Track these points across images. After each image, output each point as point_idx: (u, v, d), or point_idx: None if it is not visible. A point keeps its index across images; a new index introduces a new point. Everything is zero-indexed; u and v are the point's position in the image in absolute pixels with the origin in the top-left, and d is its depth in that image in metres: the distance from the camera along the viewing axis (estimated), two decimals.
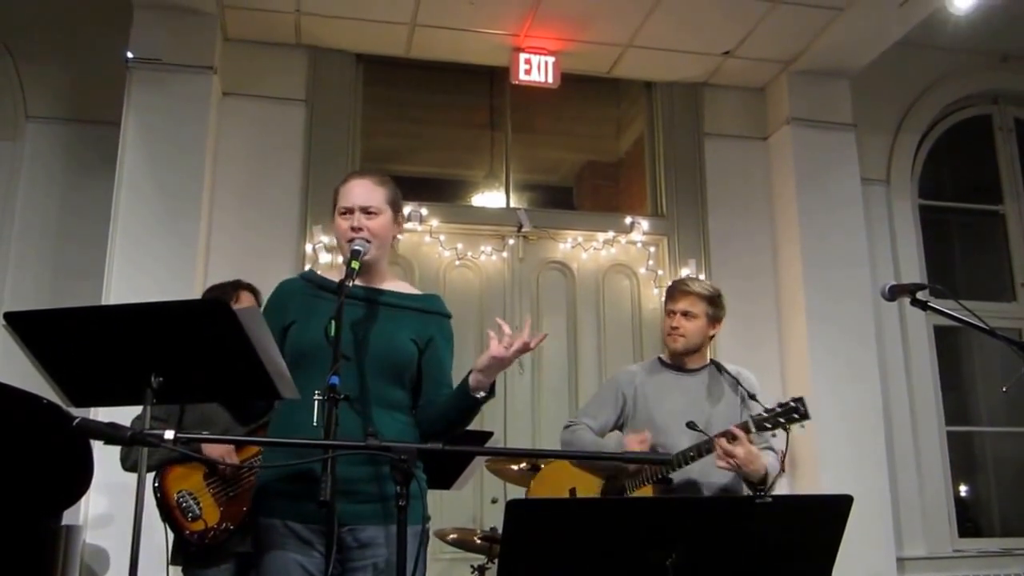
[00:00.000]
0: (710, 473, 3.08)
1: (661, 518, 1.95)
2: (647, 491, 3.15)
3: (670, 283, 3.44)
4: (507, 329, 2.29)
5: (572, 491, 3.37)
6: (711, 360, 3.34)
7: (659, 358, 3.41)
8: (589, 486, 3.33)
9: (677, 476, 3.11)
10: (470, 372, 2.37)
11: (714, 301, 3.28)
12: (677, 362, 3.33)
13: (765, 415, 3.00)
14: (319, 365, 2.21)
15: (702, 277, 5.50)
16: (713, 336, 3.36)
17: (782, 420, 2.98)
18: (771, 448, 3.14)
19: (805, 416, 2.97)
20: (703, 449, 3.03)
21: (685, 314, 3.24)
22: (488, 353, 2.31)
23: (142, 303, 2.17)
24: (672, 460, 3.04)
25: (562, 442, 3.38)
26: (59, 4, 5.29)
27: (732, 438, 2.96)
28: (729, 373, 3.28)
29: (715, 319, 3.29)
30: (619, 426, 3.35)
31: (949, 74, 6.25)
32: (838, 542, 2.03)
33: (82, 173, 5.12)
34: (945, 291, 3.26)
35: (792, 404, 2.98)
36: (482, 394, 2.36)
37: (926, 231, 6.10)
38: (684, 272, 5.52)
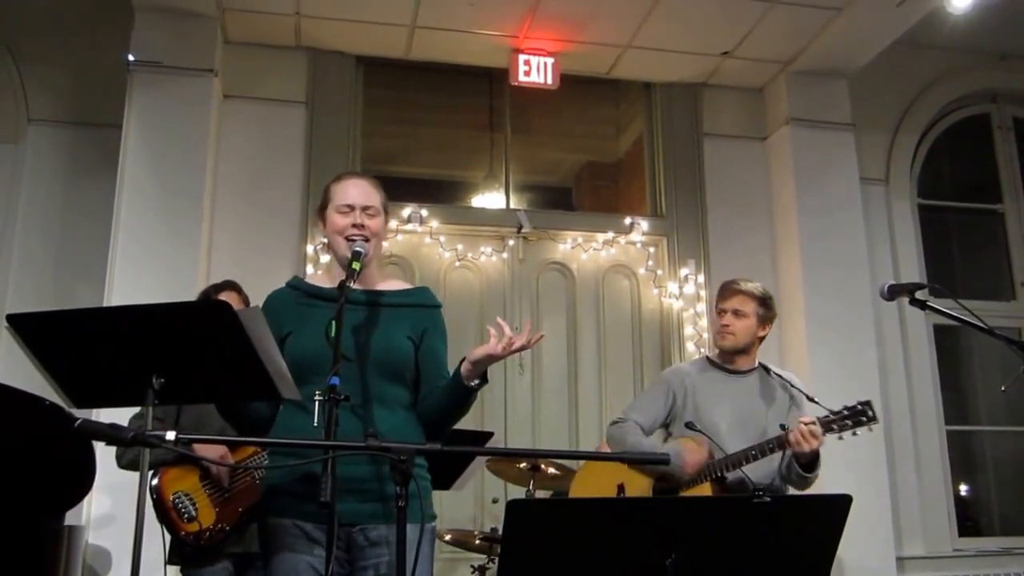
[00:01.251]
0: (758, 472, 3.10)
1: (661, 518, 1.95)
2: (705, 490, 3.15)
3: (722, 283, 3.45)
4: (508, 331, 2.30)
5: (620, 487, 3.34)
6: (760, 363, 3.35)
7: (707, 357, 3.41)
8: (640, 485, 3.31)
9: (731, 475, 3.12)
10: (462, 361, 2.36)
11: (765, 302, 3.29)
12: (727, 362, 3.34)
13: (834, 416, 3.02)
14: (321, 372, 2.21)
15: (701, 278, 5.52)
16: (763, 338, 3.36)
17: (849, 423, 3.00)
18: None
19: (874, 419, 2.99)
20: (765, 449, 3.05)
21: (735, 312, 3.26)
22: (484, 348, 2.31)
23: (143, 304, 2.18)
24: (668, 459, 3.04)
25: (608, 437, 3.38)
26: (60, 7, 5.31)
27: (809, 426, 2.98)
28: (778, 375, 3.31)
29: (766, 319, 3.30)
30: (666, 424, 3.36)
31: (947, 73, 6.26)
32: (837, 542, 2.04)
33: (84, 175, 5.14)
34: (944, 290, 3.28)
35: (860, 407, 3.00)
36: (476, 382, 2.36)
37: (925, 230, 6.10)
38: (684, 272, 5.54)
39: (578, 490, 3.58)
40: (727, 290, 3.33)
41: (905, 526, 5.45)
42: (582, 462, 3.82)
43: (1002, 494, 6.10)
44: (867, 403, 3.00)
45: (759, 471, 3.11)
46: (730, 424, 3.17)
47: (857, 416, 2.99)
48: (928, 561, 5.47)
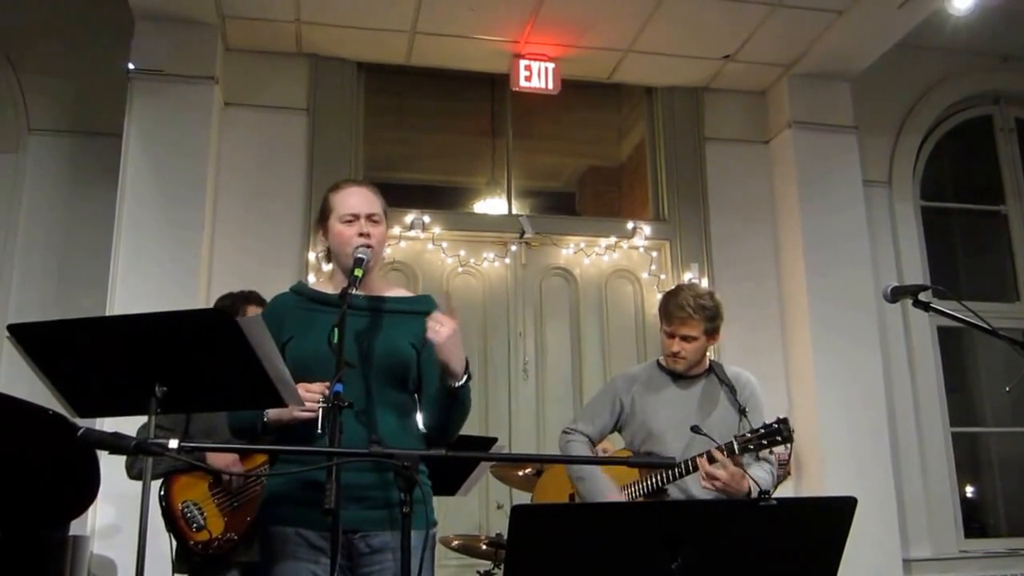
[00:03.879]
0: (701, 489, 3.05)
1: (666, 522, 1.95)
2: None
3: (664, 295, 3.33)
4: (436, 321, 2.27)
5: (572, 496, 3.36)
6: (710, 364, 3.29)
7: (658, 362, 3.38)
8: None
9: (673, 492, 3.10)
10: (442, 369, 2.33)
11: (712, 317, 3.19)
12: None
13: (748, 436, 2.95)
14: (322, 377, 2.22)
15: (704, 282, 5.50)
16: (713, 343, 3.31)
17: (764, 443, 2.93)
18: (767, 459, 3.11)
19: (788, 439, 2.91)
20: (690, 466, 3.01)
21: (684, 338, 3.18)
22: (437, 346, 2.27)
23: (145, 313, 2.18)
24: (676, 463, 3.03)
25: (559, 449, 3.38)
26: (61, 17, 5.32)
27: (711, 460, 2.93)
28: (728, 379, 3.24)
29: (714, 332, 3.22)
30: (617, 429, 3.35)
31: (949, 75, 6.26)
32: (843, 544, 2.03)
33: (85, 184, 5.15)
34: (947, 292, 3.25)
35: (775, 426, 2.92)
36: (458, 383, 2.31)
37: (928, 232, 6.10)
38: (687, 276, 5.52)
39: (538, 499, 3.59)
40: (673, 316, 3.18)
41: (911, 528, 5.44)
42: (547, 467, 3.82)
43: (1008, 495, 6.08)
44: (783, 421, 2.92)
45: (697, 483, 3.05)
46: (675, 432, 3.14)
47: (772, 435, 2.92)
48: (935, 563, 5.45)
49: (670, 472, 3.08)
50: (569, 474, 3.32)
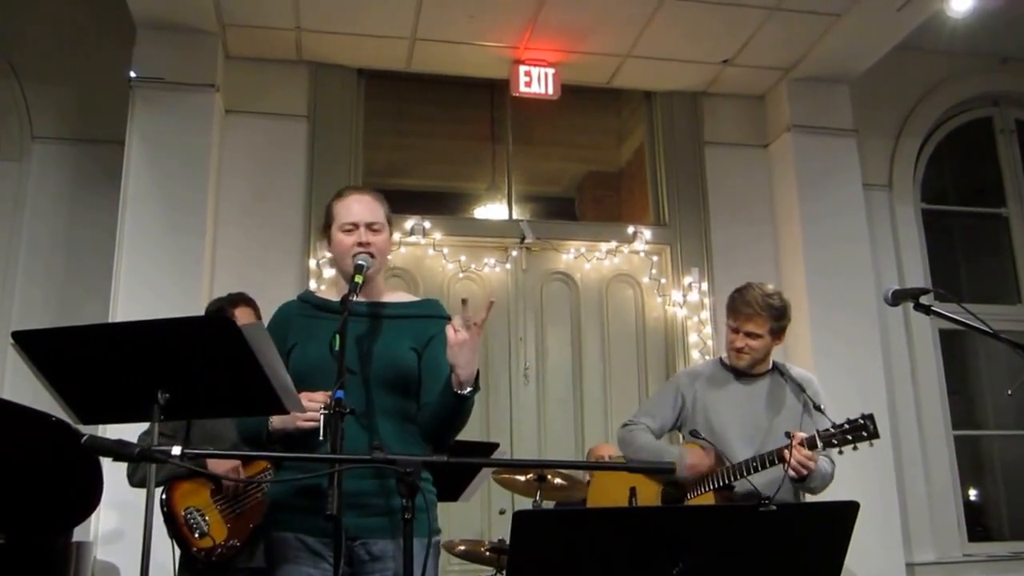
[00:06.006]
0: (761, 480, 3.02)
1: (667, 527, 1.95)
2: (708, 498, 3.11)
3: (733, 291, 3.27)
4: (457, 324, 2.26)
5: (632, 490, 3.31)
6: (774, 364, 3.26)
7: (721, 359, 3.35)
8: (651, 489, 3.28)
9: (739, 486, 3.07)
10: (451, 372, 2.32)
11: (780, 316, 3.15)
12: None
13: (832, 431, 2.93)
14: (323, 384, 2.22)
15: (704, 286, 5.49)
16: (778, 344, 3.27)
17: (850, 438, 2.91)
18: (827, 455, 3.09)
19: (874, 435, 2.90)
20: (767, 461, 2.98)
21: (749, 334, 3.15)
22: (449, 351, 2.25)
23: (147, 320, 2.18)
24: (675, 468, 3.02)
25: (619, 440, 3.35)
26: (63, 25, 5.34)
27: (800, 445, 2.91)
28: (793, 379, 3.21)
29: (780, 332, 3.19)
30: (677, 426, 3.32)
31: (949, 77, 6.27)
32: (845, 549, 2.02)
33: (87, 192, 5.16)
34: (948, 295, 3.25)
35: (861, 421, 2.91)
36: (468, 390, 2.29)
37: (929, 235, 6.10)
38: (687, 280, 5.53)
39: (595, 499, 3.56)
40: (739, 312, 3.15)
41: (914, 532, 5.43)
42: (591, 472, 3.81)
43: (1011, 498, 6.07)
44: (869, 416, 2.92)
45: (763, 479, 3.06)
46: (739, 430, 3.13)
47: (857, 431, 2.91)
48: (938, 567, 5.45)
49: (740, 469, 3.04)
50: (627, 455, 3.29)
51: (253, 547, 3.09)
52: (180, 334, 2.17)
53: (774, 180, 5.80)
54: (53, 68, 5.30)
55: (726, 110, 5.92)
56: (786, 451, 2.93)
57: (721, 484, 3.09)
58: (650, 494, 3.27)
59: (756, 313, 3.12)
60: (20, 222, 5.10)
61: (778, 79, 5.72)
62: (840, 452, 3.01)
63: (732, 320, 3.20)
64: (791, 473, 2.92)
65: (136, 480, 3.26)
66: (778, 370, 3.25)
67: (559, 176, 6.27)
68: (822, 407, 3.12)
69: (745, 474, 3.03)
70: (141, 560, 2.14)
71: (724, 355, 3.33)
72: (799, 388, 3.20)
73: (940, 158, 6.34)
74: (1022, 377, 4.01)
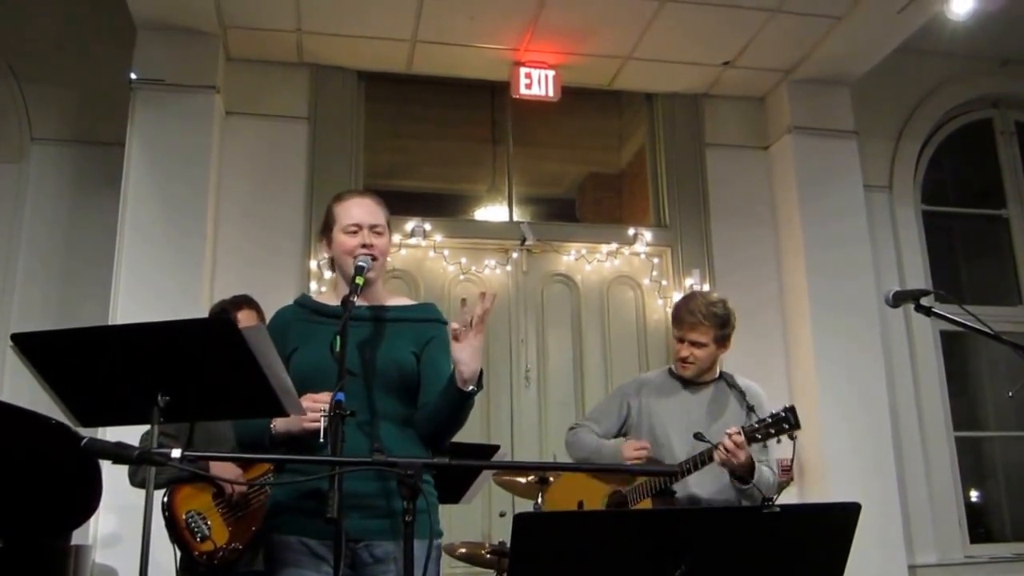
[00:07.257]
0: (709, 488, 3.07)
1: (669, 529, 1.94)
2: (647, 504, 3.14)
3: (678, 301, 3.34)
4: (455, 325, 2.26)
5: (580, 504, 3.36)
6: (721, 373, 3.30)
7: (670, 368, 3.38)
8: (595, 497, 3.33)
9: (680, 490, 3.10)
10: (455, 368, 2.31)
11: (724, 324, 3.20)
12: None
13: (756, 425, 2.96)
14: (326, 387, 2.21)
15: (706, 287, 5.49)
16: (723, 352, 3.31)
17: (772, 431, 2.94)
18: (769, 466, 3.10)
19: (795, 426, 2.91)
20: (700, 460, 3.00)
21: (693, 343, 3.19)
22: (455, 345, 2.25)
23: (147, 323, 2.18)
24: (679, 471, 3.03)
25: (565, 443, 3.40)
26: (63, 26, 5.34)
27: (732, 437, 2.93)
28: (738, 387, 3.24)
29: (724, 340, 3.23)
30: (622, 434, 3.35)
31: (949, 79, 6.27)
32: (847, 551, 2.02)
33: (87, 194, 5.16)
34: (949, 296, 3.25)
35: (782, 414, 2.93)
36: (472, 387, 2.28)
37: (930, 237, 6.10)
38: (688, 282, 5.52)
39: (548, 508, 3.60)
40: (683, 321, 3.20)
41: (916, 534, 5.43)
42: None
43: (1013, 499, 6.07)
44: (790, 409, 2.93)
45: (709, 487, 3.08)
46: (680, 437, 3.14)
47: (779, 423, 2.92)
48: (940, 569, 5.44)
49: (676, 472, 3.06)
50: (579, 459, 3.32)
51: (255, 550, 3.08)
52: (180, 336, 2.16)
53: (775, 182, 5.80)
54: (53, 69, 5.29)
55: (727, 112, 5.92)
56: (715, 451, 2.95)
57: (658, 490, 3.11)
58: (595, 501, 3.32)
59: (699, 322, 3.17)
60: (20, 223, 5.09)
61: (779, 81, 5.72)
62: (764, 446, 3.02)
63: (677, 330, 3.25)
64: (719, 457, 2.94)
65: (137, 480, 3.26)
66: (724, 379, 3.28)
67: (560, 178, 6.27)
68: (754, 407, 3.14)
69: (680, 478, 3.06)
70: (140, 563, 2.14)
71: (673, 364, 3.36)
72: (743, 395, 3.21)
73: (940, 160, 6.34)
74: (1023, 379, 4.01)
